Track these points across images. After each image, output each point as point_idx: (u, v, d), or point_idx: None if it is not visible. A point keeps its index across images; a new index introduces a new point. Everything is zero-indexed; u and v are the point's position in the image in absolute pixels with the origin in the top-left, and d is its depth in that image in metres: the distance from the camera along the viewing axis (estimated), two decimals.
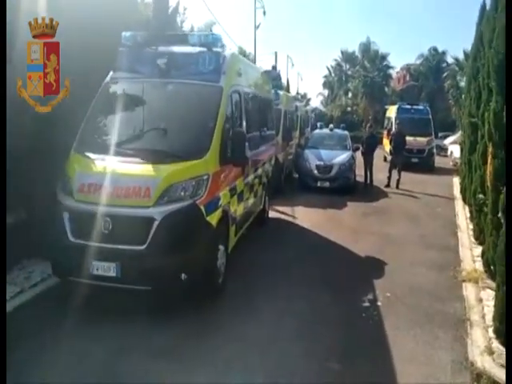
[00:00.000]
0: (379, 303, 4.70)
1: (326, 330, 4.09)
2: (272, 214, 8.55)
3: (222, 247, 4.62)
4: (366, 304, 4.67)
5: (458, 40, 69.00)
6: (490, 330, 4.01)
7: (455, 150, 18.07)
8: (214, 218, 4.31)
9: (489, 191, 5.10)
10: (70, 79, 3.82)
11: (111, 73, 5.21)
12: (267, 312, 4.37)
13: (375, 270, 5.71)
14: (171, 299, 4.36)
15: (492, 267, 5.19)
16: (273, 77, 8.48)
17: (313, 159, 11.62)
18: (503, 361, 3.44)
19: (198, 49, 5.18)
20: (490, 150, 5.04)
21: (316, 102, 52.53)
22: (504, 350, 3.55)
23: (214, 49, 5.19)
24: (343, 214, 9.02)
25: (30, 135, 4.64)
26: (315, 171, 11.38)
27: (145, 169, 4.13)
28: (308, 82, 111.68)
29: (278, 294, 4.79)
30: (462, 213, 9.51)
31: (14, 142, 3.58)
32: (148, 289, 4.01)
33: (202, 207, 4.14)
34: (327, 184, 11.25)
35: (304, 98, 55.36)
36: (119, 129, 4.65)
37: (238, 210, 5.34)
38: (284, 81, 40.82)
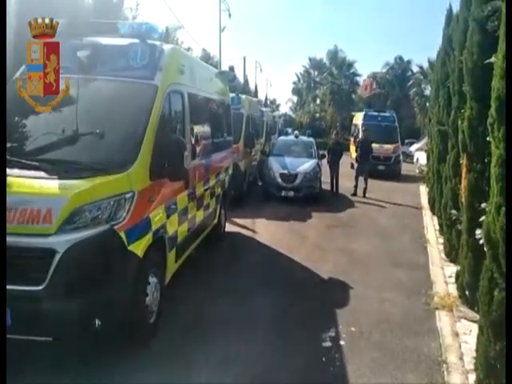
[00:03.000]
0: (342, 342, 3.98)
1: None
2: (230, 228, 7.78)
3: (153, 279, 3.79)
4: (328, 344, 3.94)
5: (422, 49, 71.23)
6: (471, 376, 3.38)
7: (421, 157, 18.06)
8: (140, 246, 3.47)
9: (463, 208, 4.54)
10: None
11: (23, 67, 4.29)
12: (208, 361, 3.56)
13: (339, 297, 5.02)
14: (82, 350, 3.46)
15: (467, 292, 4.63)
16: (229, 78, 7.72)
17: (277, 167, 10.95)
18: None
19: (128, 40, 4.35)
20: (463, 161, 4.49)
21: (285, 108, 52.60)
22: None
23: (149, 41, 4.39)
24: (307, 227, 8.35)
25: None
26: (279, 180, 10.73)
27: (48, 185, 3.23)
28: (278, 88, 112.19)
29: (222, 337, 3.98)
30: (431, 224, 9.09)
31: None
32: (48, 340, 3.12)
33: (123, 234, 3.29)
34: (292, 193, 10.61)
35: (273, 103, 55.36)
36: (23, 135, 3.75)
37: (179, 230, 4.52)
38: (252, 86, 40.64)
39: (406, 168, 17.98)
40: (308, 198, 10.51)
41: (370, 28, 72.11)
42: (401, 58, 39.94)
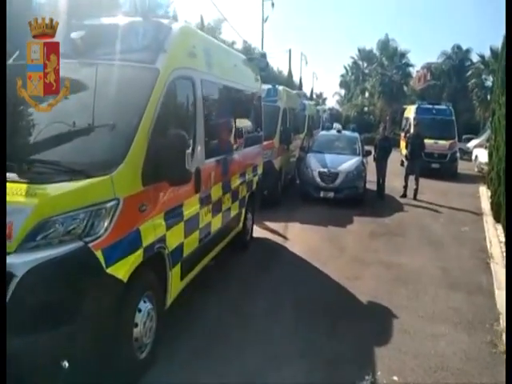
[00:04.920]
0: None
1: None
2: (260, 233, 7.03)
3: (146, 305, 3.12)
4: None
5: (483, 37, 65.95)
6: None
7: (480, 155, 16.29)
8: (123, 268, 2.80)
9: None
10: None
11: (17, 53, 3.78)
12: None
13: (379, 330, 4.09)
14: None
15: None
16: (261, 66, 6.91)
17: (316, 165, 10.02)
18: None
19: (129, 18, 3.71)
20: None
21: (332, 102, 50.93)
22: None
23: (154, 18, 3.71)
24: (347, 235, 7.39)
25: None
26: (318, 179, 9.79)
27: (14, 191, 2.64)
28: (324, 82, 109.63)
29: (230, 374, 3.24)
30: (494, 234, 7.77)
31: None
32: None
33: (100, 253, 2.64)
34: (331, 194, 9.65)
35: (319, 97, 53.78)
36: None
37: (187, 242, 3.82)
38: (297, 79, 39.48)
39: (463, 166, 16.27)
40: (350, 200, 9.51)
41: (424, 15, 67.95)
42: (459, 47, 36.98)
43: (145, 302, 3.11)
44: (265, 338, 3.81)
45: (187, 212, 3.80)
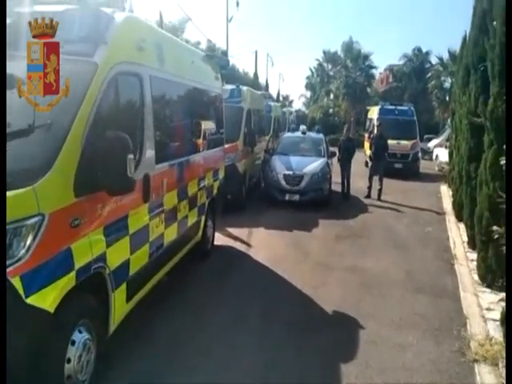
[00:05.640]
0: None
1: None
2: (222, 241, 6.70)
3: (82, 336, 2.71)
4: None
5: (442, 39, 68.49)
6: None
7: (441, 154, 16.71)
8: (49, 296, 2.39)
9: None
10: None
11: None
12: None
13: (345, 343, 3.86)
14: None
15: None
16: (221, 64, 6.58)
17: (280, 168, 9.81)
18: None
19: (65, 6, 3.29)
20: None
21: (299, 104, 51.24)
22: None
23: (94, 6, 3.32)
24: (312, 239, 7.19)
25: None
26: (283, 182, 9.59)
27: None
28: (291, 84, 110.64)
29: None
30: (457, 234, 7.82)
31: None
32: None
33: (18, 280, 2.23)
34: (297, 197, 9.47)
35: (286, 99, 53.98)
36: None
37: (133, 258, 3.43)
38: (263, 80, 39.38)
39: (424, 166, 16.61)
40: (315, 203, 9.37)
41: (387, 19, 69.93)
42: (419, 50, 38.02)
43: (80, 332, 2.71)
44: (224, 358, 3.49)
45: (134, 225, 3.42)
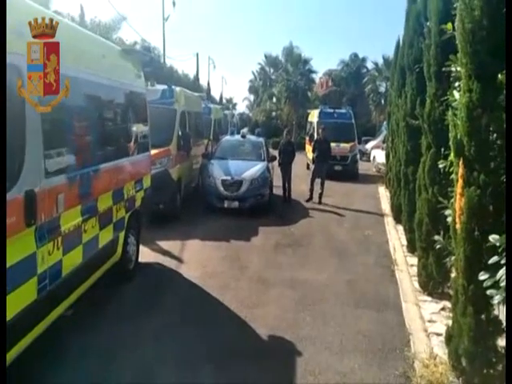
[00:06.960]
0: None
1: None
2: (150, 257, 6.00)
3: None
4: None
5: (377, 46, 71.99)
6: None
7: (378, 155, 17.16)
8: None
9: (458, 238, 3.03)
10: None
11: None
12: None
13: (279, 375, 3.38)
14: None
15: (465, 362, 3.14)
16: (143, 61, 5.87)
17: (218, 173, 9.27)
18: None
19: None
20: (458, 169, 2.98)
21: (242, 107, 51.06)
22: None
23: None
24: (250, 250, 6.69)
25: None
26: (221, 188, 9.04)
27: None
28: (235, 87, 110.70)
29: None
30: (396, 237, 7.76)
31: None
32: None
33: None
34: (236, 204, 8.97)
35: (230, 102, 53.55)
36: None
37: (13, 298, 2.67)
38: (205, 83, 38.61)
39: (362, 167, 16.94)
40: (256, 209, 8.93)
41: (326, 25, 72.14)
42: (356, 56, 39.52)
43: None
44: None
45: (12, 256, 2.68)
